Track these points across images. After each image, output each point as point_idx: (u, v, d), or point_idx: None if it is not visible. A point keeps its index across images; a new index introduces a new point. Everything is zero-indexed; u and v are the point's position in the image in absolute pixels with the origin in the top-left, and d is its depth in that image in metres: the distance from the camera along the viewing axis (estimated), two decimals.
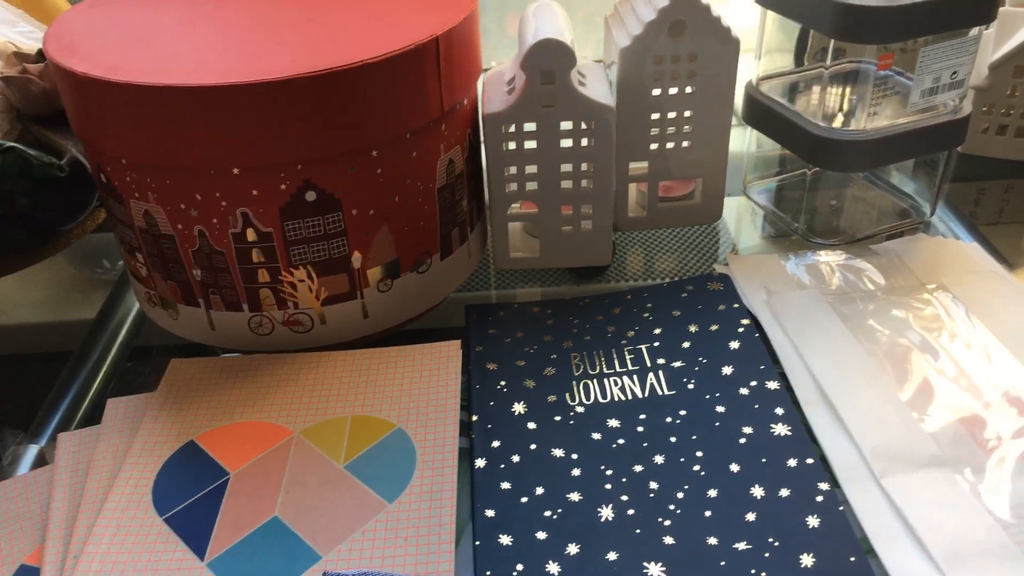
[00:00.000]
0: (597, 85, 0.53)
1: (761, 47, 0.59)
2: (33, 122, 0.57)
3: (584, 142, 0.52)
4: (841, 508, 0.38)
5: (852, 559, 0.36)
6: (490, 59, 0.92)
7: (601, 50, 0.90)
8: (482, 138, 0.53)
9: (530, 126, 0.51)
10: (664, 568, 0.36)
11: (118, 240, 0.51)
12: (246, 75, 0.41)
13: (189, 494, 0.40)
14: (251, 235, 0.45)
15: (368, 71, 0.42)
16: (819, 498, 0.39)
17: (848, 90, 0.55)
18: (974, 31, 0.52)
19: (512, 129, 0.51)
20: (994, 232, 0.64)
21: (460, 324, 0.54)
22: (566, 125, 0.51)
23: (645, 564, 0.37)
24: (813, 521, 0.38)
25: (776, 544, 0.37)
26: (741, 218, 0.65)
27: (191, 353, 0.52)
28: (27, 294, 0.65)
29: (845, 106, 0.55)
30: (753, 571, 0.36)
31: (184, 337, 0.51)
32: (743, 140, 0.65)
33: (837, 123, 0.54)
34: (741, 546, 0.37)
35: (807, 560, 0.36)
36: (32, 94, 0.55)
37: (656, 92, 0.55)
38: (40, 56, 0.56)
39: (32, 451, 0.48)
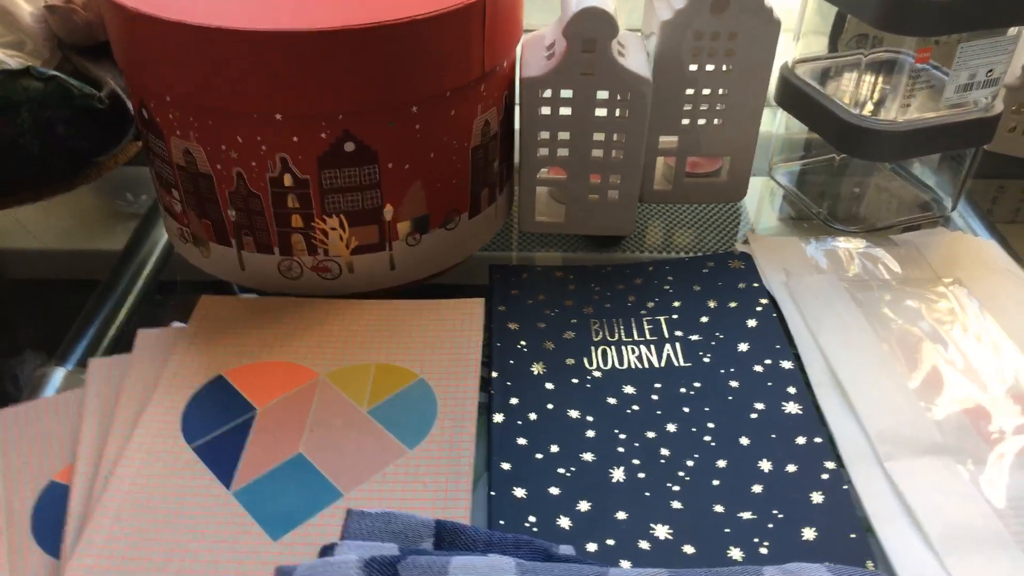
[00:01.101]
0: (635, 56, 0.54)
1: (800, 29, 0.60)
2: (73, 52, 0.58)
3: (619, 113, 0.52)
4: (845, 487, 0.40)
5: (852, 536, 0.37)
6: (526, 20, 0.92)
7: (634, 18, 0.90)
8: (518, 101, 0.53)
9: (567, 93, 0.52)
10: (671, 531, 0.38)
11: (154, 175, 0.51)
12: (295, 23, 0.41)
13: (217, 425, 0.42)
14: (288, 180, 0.46)
15: (415, 28, 0.43)
16: (824, 476, 0.40)
17: (883, 79, 0.55)
18: (1013, 30, 0.52)
19: (548, 94, 0.52)
20: (1010, 230, 0.65)
21: (481, 281, 0.55)
22: (602, 94, 0.52)
23: (652, 526, 0.38)
24: (817, 497, 0.39)
25: (780, 516, 0.38)
26: (762, 199, 0.65)
27: (216, 290, 0.53)
28: (52, 221, 0.66)
29: (878, 95, 0.55)
30: (756, 540, 0.37)
31: (213, 275, 0.52)
32: (772, 121, 0.65)
33: (869, 111, 0.55)
34: (746, 516, 0.38)
35: (809, 534, 0.38)
36: (75, 25, 0.55)
37: (693, 68, 0.55)
38: None
39: (60, 373, 0.49)
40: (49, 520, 0.38)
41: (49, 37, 0.56)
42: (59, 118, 0.52)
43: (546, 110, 0.53)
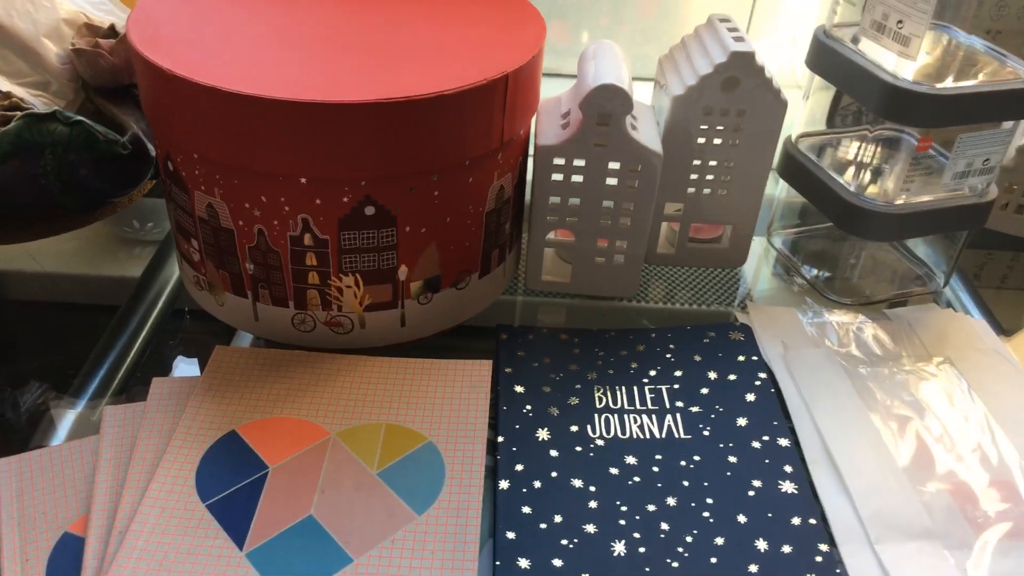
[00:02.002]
0: (647, 129, 0.56)
1: (805, 106, 0.62)
2: (97, 94, 0.59)
3: (629, 183, 0.54)
4: (838, 571, 0.41)
5: None
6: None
7: (637, 66, 0.92)
8: (531, 166, 0.55)
9: (580, 162, 0.54)
10: None
11: (173, 223, 0.52)
12: (324, 94, 0.43)
13: (231, 483, 0.43)
14: (308, 240, 0.47)
15: (439, 102, 0.44)
16: (818, 558, 0.42)
17: (883, 156, 0.57)
18: (1009, 124, 0.54)
19: (562, 162, 0.54)
20: (996, 296, 0.67)
21: (488, 324, 0.56)
22: (614, 165, 0.54)
23: None
24: None
25: None
26: (761, 262, 0.67)
27: (226, 330, 0.54)
28: (56, 246, 0.67)
29: (875, 171, 0.57)
30: None
31: (227, 323, 0.53)
32: (774, 188, 0.67)
33: (868, 188, 0.57)
34: None
35: None
36: (101, 68, 0.56)
37: (701, 140, 0.57)
38: (112, 31, 0.58)
39: (71, 416, 0.50)
40: (64, 572, 0.39)
41: (74, 78, 0.57)
42: (82, 161, 0.53)
43: (559, 177, 0.54)
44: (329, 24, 0.50)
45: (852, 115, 0.62)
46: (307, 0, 0.53)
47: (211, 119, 0.44)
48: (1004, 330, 0.60)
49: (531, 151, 0.55)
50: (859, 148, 0.57)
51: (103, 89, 0.58)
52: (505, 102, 0.47)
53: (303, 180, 0.45)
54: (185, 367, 0.53)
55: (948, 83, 0.52)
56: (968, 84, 0.52)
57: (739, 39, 0.55)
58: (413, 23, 0.51)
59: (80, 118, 0.53)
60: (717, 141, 0.57)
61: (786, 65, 0.94)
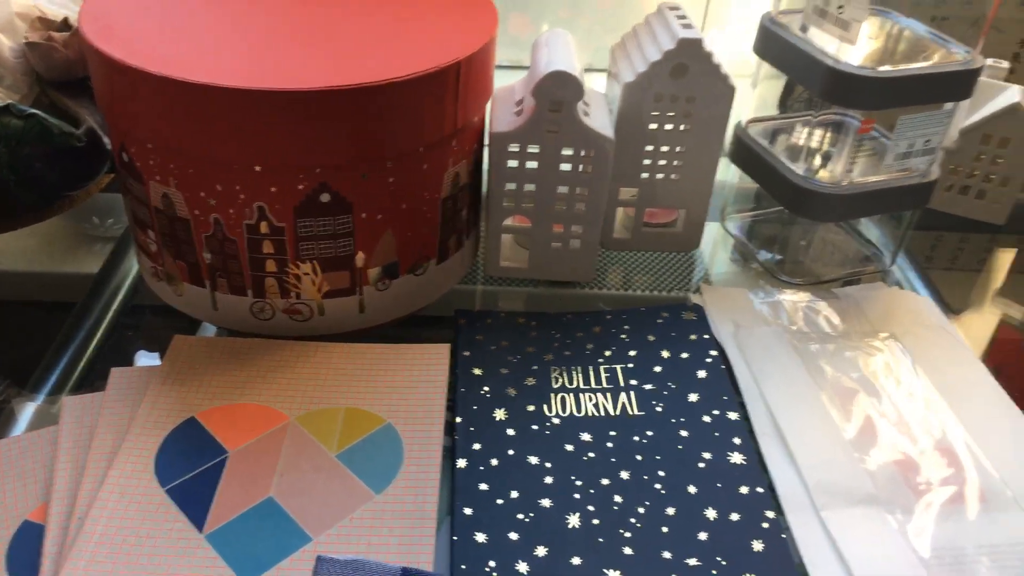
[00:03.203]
0: (599, 115, 0.57)
1: (755, 92, 0.63)
2: (51, 87, 0.58)
3: (582, 168, 0.55)
4: (783, 536, 0.43)
5: None
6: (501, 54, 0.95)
7: (597, 57, 0.93)
8: (487, 154, 0.56)
9: (533, 148, 0.55)
10: None
11: (130, 214, 0.53)
12: (277, 82, 0.43)
13: (189, 468, 0.43)
14: (264, 228, 0.48)
15: (392, 89, 0.45)
16: (765, 524, 0.43)
17: (829, 140, 0.59)
18: (949, 105, 0.56)
19: (516, 149, 0.55)
20: (947, 277, 0.69)
21: (447, 314, 0.57)
22: (567, 151, 0.55)
23: (605, 570, 0.41)
24: (758, 545, 0.42)
25: (723, 563, 0.41)
26: (717, 244, 0.69)
27: (186, 321, 0.55)
28: (17, 243, 0.67)
29: (827, 155, 0.59)
30: None
31: (185, 313, 0.54)
32: (726, 173, 0.68)
33: (815, 171, 0.58)
34: (692, 562, 0.41)
35: None
36: (55, 62, 0.56)
37: (653, 126, 0.58)
38: (65, 24, 0.58)
39: (31, 407, 0.50)
40: (23, 560, 0.39)
41: (28, 72, 0.57)
42: (37, 154, 0.53)
43: (513, 163, 0.55)
44: (282, 13, 0.51)
45: (805, 101, 0.63)
46: None
47: (164, 109, 0.44)
48: (952, 309, 0.62)
49: (487, 139, 0.56)
50: (806, 132, 0.58)
51: (58, 83, 0.58)
52: (457, 89, 0.48)
53: (257, 168, 0.46)
54: (146, 360, 0.54)
55: (887, 67, 0.54)
56: (906, 67, 0.53)
57: (687, 26, 0.56)
58: (367, 13, 0.52)
59: (34, 111, 0.53)
60: (668, 127, 0.58)
61: (743, 53, 0.96)
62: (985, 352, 0.60)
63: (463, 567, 0.40)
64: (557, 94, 0.52)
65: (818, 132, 0.58)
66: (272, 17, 0.50)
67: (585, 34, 0.94)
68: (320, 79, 0.44)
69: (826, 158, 0.58)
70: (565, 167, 0.55)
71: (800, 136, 0.61)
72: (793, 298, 0.60)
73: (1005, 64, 0.69)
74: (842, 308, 0.60)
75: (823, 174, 0.58)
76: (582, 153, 0.55)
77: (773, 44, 0.58)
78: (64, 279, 0.64)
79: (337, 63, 0.46)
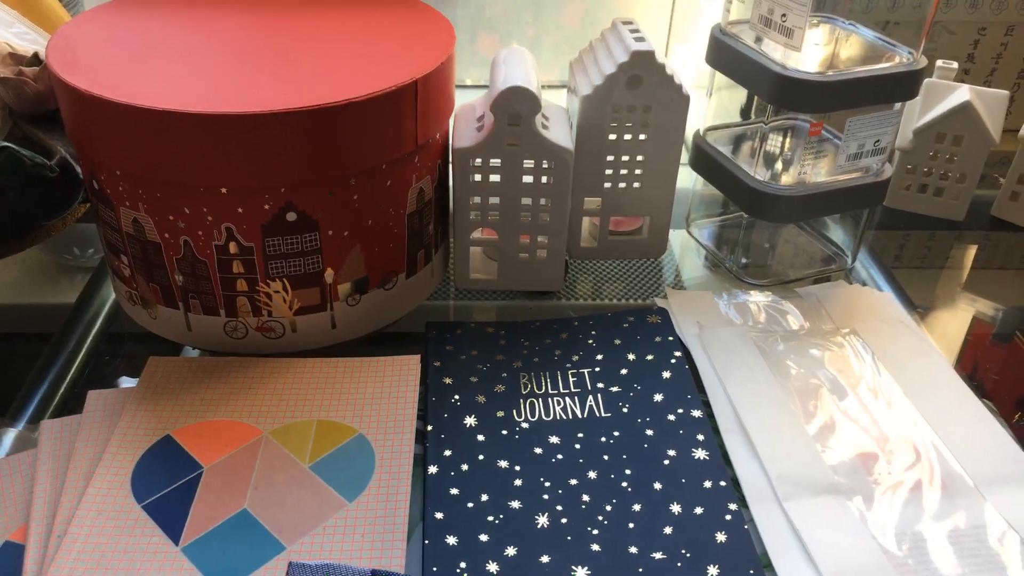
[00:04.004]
0: (559, 127, 0.58)
1: (711, 96, 0.65)
2: (24, 120, 0.60)
3: (544, 179, 0.57)
4: (746, 527, 0.44)
5: (751, 572, 0.41)
6: (463, 76, 0.97)
7: (565, 74, 0.96)
8: (451, 169, 0.57)
9: (495, 162, 0.56)
10: (590, 572, 0.42)
11: (103, 241, 0.54)
12: (239, 105, 0.45)
13: (165, 484, 0.44)
14: (233, 248, 0.49)
15: (351, 109, 0.47)
16: (728, 516, 0.44)
17: (784, 145, 0.60)
18: (897, 105, 0.58)
19: (479, 163, 0.56)
20: (915, 275, 0.70)
21: (419, 330, 0.58)
22: (528, 163, 0.56)
23: (574, 568, 0.42)
24: (721, 536, 0.43)
25: (688, 555, 0.42)
26: (684, 251, 0.70)
27: (164, 346, 0.56)
28: None
29: (781, 160, 0.61)
30: None
31: (161, 335, 0.55)
32: (689, 181, 0.70)
33: (773, 175, 0.60)
34: (658, 556, 0.42)
35: (713, 571, 0.41)
36: (26, 95, 0.58)
37: (612, 136, 0.60)
38: (36, 59, 0.59)
39: (11, 434, 0.51)
40: None
41: (1, 107, 0.59)
42: (10, 185, 0.55)
43: (477, 177, 0.57)
44: (242, 39, 0.52)
45: (760, 108, 0.65)
46: (220, 17, 0.55)
47: (129, 136, 0.46)
48: (916, 307, 0.64)
49: (451, 155, 0.57)
50: (760, 137, 0.60)
51: (30, 116, 0.60)
52: (416, 107, 0.50)
53: (223, 190, 0.47)
54: (123, 385, 0.55)
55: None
56: (849, 71, 0.55)
57: (640, 39, 0.58)
58: (325, 36, 0.53)
59: (6, 144, 0.54)
60: (627, 137, 0.60)
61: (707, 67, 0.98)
62: (960, 347, 0.61)
63: (435, 569, 0.41)
64: (515, 108, 0.54)
65: (772, 137, 0.60)
66: (232, 44, 0.52)
67: (551, 51, 0.96)
68: (278, 101, 0.45)
69: (777, 160, 0.60)
70: (528, 179, 0.57)
71: (755, 142, 0.63)
72: (757, 299, 0.61)
73: (954, 65, 0.71)
74: (804, 306, 0.61)
75: (774, 175, 0.60)
76: (543, 165, 0.56)
77: (723, 54, 0.60)
78: (44, 310, 0.65)
79: (296, 85, 0.47)
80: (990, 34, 0.86)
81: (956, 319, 0.65)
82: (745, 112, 0.66)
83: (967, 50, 0.87)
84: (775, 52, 0.57)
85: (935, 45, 0.87)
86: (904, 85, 0.56)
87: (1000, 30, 0.86)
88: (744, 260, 0.66)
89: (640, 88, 0.58)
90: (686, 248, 0.71)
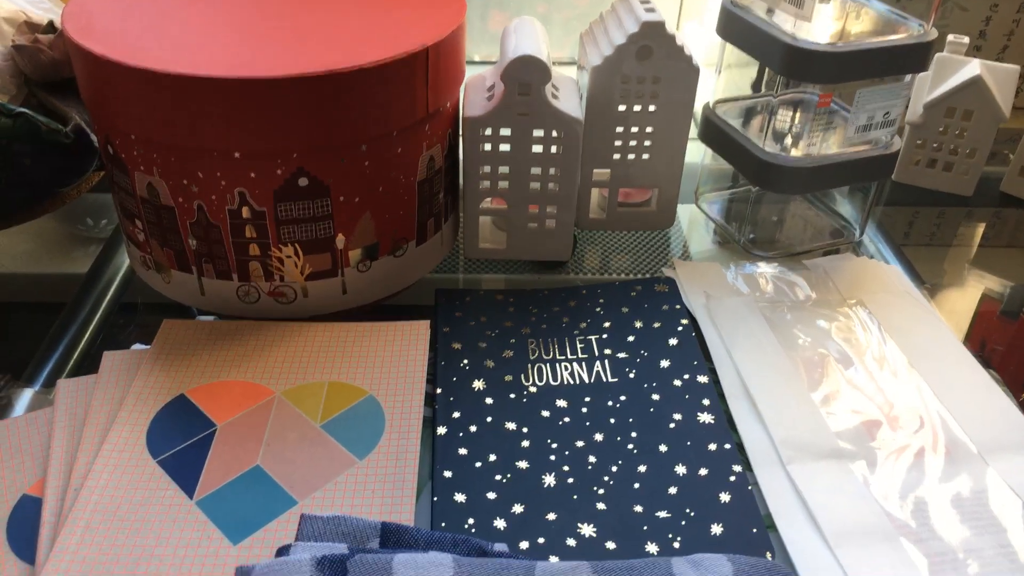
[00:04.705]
0: (569, 98, 0.59)
1: (720, 72, 0.65)
2: (39, 87, 0.61)
3: (553, 149, 0.57)
4: (750, 488, 0.44)
5: (754, 531, 0.42)
6: (473, 53, 0.97)
7: (575, 51, 0.96)
8: (461, 138, 0.58)
9: (505, 131, 0.57)
10: (595, 529, 0.42)
11: (118, 206, 0.55)
12: (253, 70, 0.45)
13: (180, 441, 0.45)
14: (246, 212, 0.50)
15: (363, 75, 0.47)
16: (732, 478, 0.45)
17: (793, 118, 0.61)
18: (907, 77, 0.58)
19: (489, 132, 0.57)
20: (925, 252, 0.71)
21: (430, 303, 0.59)
22: (538, 133, 0.57)
23: (579, 525, 0.42)
24: (725, 497, 0.44)
25: (692, 514, 0.43)
26: (692, 224, 0.71)
27: (177, 313, 0.57)
28: (14, 245, 0.69)
29: (790, 132, 0.61)
30: (670, 536, 0.42)
31: (174, 300, 0.55)
32: (698, 154, 0.70)
33: (779, 146, 0.60)
34: (662, 514, 0.43)
35: (716, 529, 0.42)
36: (41, 63, 0.58)
37: (622, 108, 0.60)
38: (51, 27, 0.60)
39: (28, 394, 0.52)
40: (23, 530, 0.41)
41: (16, 74, 0.59)
42: (26, 152, 0.55)
43: (487, 147, 0.57)
44: (257, 6, 0.53)
45: (769, 81, 0.65)
46: None
47: (144, 100, 0.46)
48: (924, 283, 0.64)
49: (461, 125, 0.58)
50: (770, 109, 0.60)
51: (45, 83, 0.60)
52: (427, 75, 0.50)
53: (237, 155, 0.48)
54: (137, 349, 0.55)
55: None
56: (859, 42, 0.55)
57: (650, 10, 0.58)
58: (338, 3, 0.54)
59: (22, 110, 0.55)
60: (637, 108, 0.60)
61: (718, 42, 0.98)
62: (968, 323, 0.61)
63: (443, 524, 0.42)
64: (525, 77, 0.54)
65: (781, 109, 0.60)
66: (247, 9, 0.52)
67: (563, 28, 0.96)
68: (292, 67, 0.46)
69: (786, 132, 0.60)
70: (537, 148, 0.57)
71: (764, 114, 0.63)
72: (764, 270, 0.62)
73: (965, 39, 0.71)
74: (812, 278, 0.61)
75: (788, 150, 0.60)
76: (553, 134, 0.57)
77: (734, 25, 0.60)
78: (60, 279, 0.66)
79: (309, 51, 0.48)
80: (1002, 10, 0.86)
81: (965, 295, 0.65)
82: (756, 87, 0.66)
83: (979, 26, 0.87)
84: (786, 23, 0.57)
85: (947, 21, 0.87)
86: (914, 57, 0.56)
87: (1012, 6, 0.86)
88: (752, 234, 0.66)
89: (650, 59, 0.58)
90: (695, 222, 0.71)
